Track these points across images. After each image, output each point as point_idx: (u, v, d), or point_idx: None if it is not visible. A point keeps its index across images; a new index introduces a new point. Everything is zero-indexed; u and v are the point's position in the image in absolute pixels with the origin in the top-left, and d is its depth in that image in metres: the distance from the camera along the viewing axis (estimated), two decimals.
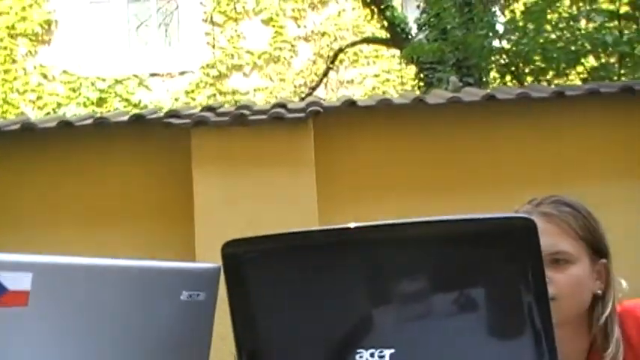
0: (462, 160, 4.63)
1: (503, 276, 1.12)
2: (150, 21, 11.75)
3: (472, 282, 1.12)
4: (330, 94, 11.42)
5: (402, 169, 4.62)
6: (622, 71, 6.90)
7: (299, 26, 12.28)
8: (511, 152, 4.67)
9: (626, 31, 7.16)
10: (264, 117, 4.53)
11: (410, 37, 9.58)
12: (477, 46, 7.07)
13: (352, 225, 1.16)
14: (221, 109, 4.88)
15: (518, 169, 4.58)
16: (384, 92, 11.00)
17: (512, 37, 7.21)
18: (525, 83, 7.11)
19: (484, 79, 8.52)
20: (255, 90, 11.83)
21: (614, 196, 4.57)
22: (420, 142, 4.70)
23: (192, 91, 11.82)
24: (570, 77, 7.85)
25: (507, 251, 1.12)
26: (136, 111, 7.24)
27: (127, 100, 11.54)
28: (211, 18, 11.60)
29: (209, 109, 4.86)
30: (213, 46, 11.73)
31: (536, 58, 7.12)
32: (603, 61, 7.14)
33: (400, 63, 10.58)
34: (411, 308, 1.15)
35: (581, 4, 7.17)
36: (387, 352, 1.12)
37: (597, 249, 1.62)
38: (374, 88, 11.91)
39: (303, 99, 7.72)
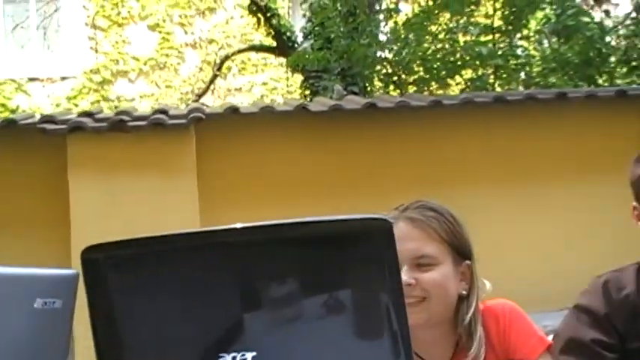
0: (344, 165, 4.71)
1: (363, 277, 1.12)
2: (27, 23, 11.31)
3: (334, 284, 1.13)
4: (217, 102, 11.35)
5: (285, 175, 4.65)
6: (497, 82, 7.21)
7: (186, 33, 12.14)
8: (391, 157, 4.78)
9: (501, 45, 7.49)
10: (144, 123, 4.45)
11: (296, 45, 9.66)
12: (361, 55, 7.21)
13: (212, 228, 1.15)
14: (99, 115, 4.76)
15: (398, 173, 4.70)
16: (272, 100, 11.03)
17: (395, 47, 7.39)
18: (409, 92, 7.32)
19: (369, 88, 8.69)
20: (141, 97, 11.59)
21: (489, 201, 4.76)
22: (302, 149, 4.74)
23: (75, 97, 11.45)
24: (453, 87, 8.13)
25: (365, 252, 1.12)
26: (8, 115, 6.94)
27: (2, 105, 11.06)
28: (93, 22, 11.30)
29: (87, 114, 4.72)
30: (96, 51, 11.43)
31: (418, 68, 7.34)
32: (480, 72, 7.43)
33: (287, 71, 10.65)
34: (275, 310, 1.15)
35: (459, 18, 7.44)
36: (249, 355, 1.11)
37: (461, 251, 1.68)
38: (262, 96, 11.92)
39: (188, 106, 7.64)
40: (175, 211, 4.22)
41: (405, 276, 1.59)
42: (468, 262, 1.69)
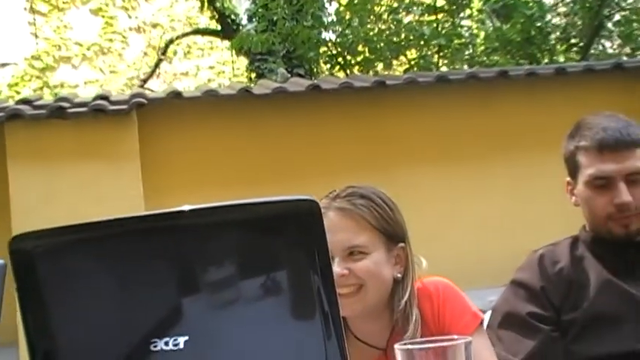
0: (289, 147, 4.70)
1: (295, 259, 1.12)
2: None
3: (270, 266, 1.12)
4: (163, 87, 11.21)
5: (229, 159, 4.62)
6: (441, 62, 7.27)
7: (130, 17, 11.94)
8: (336, 138, 4.79)
9: (444, 25, 7.55)
10: (84, 110, 4.37)
11: (240, 28, 9.58)
12: (305, 37, 7.19)
13: (144, 213, 1.13)
14: (38, 102, 4.65)
15: (343, 154, 4.71)
16: (219, 84, 10.94)
17: (338, 29, 7.39)
18: (354, 73, 7.33)
19: (315, 70, 8.68)
20: (85, 83, 11.38)
21: (432, 179, 4.81)
22: (246, 132, 4.72)
23: (17, 84, 11.19)
24: (398, 68, 8.17)
25: (295, 233, 1.12)
26: None
27: None
28: (32, 6, 11.03)
29: (25, 102, 4.61)
30: (36, 36, 11.17)
31: (362, 49, 7.35)
32: (424, 52, 7.48)
33: (232, 55, 10.57)
34: (212, 294, 1.14)
35: None
36: (182, 340, 1.10)
37: (394, 236, 1.68)
38: (209, 80, 11.81)
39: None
40: (119, 197, 4.16)
41: (337, 267, 1.59)
42: (401, 244, 1.70)
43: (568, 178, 1.97)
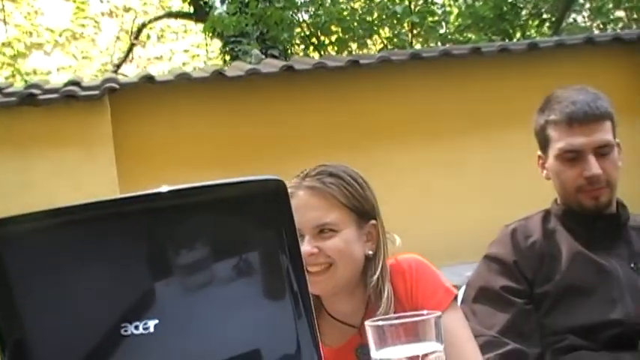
0: (263, 128, 4.68)
1: (263, 239, 1.12)
2: None
3: (240, 247, 1.11)
4: (137, 72, 11.10)
5: (204, 142, 4.60)
6: (414, 40, 7.27)
7: (102, 1, 11.78)
8: (310, 118, 4.77)
9: (418, 2, 7.54)
10: (56, 96, 4.32)
11: (213, 10, 9.50)
12: (277, 18, 7.14)
13: (112, 197, 1.12)
14: (8, 90, 4.59)
15: (318, 134, 4.69)
16: (194, 68, 10.84)
17: (311, 9, 7.36)
18: (329, 54, 7.30)
19: (289, 51, 8.64)
20: (58, 69, 11.24)
21: (408, 156, 4.82)
22: (220, 115, 4.69)
23: None
24: (372, 47, 8.14)
25: (263, 214, 1.11)
26: None
27: None
28: None
29: None
30: (6, 23, 11.00)
31: (336, 29, 7.33)
32: (397, 31, 7.47)
33: (206, 38, 10.49)
34: (185, 277, 1.14)
35: None
36: (152, 324, 1.09)
37: (365, 213, 1.68)
38: (184, 64, 11.71)
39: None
40: (93, 183, 4.13)
41: (307, 245, 1.59)
42: (373, 222, 1.70)
43: (539, 152, 1.98)
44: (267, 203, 1.10)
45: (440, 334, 1.09)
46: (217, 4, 9.64)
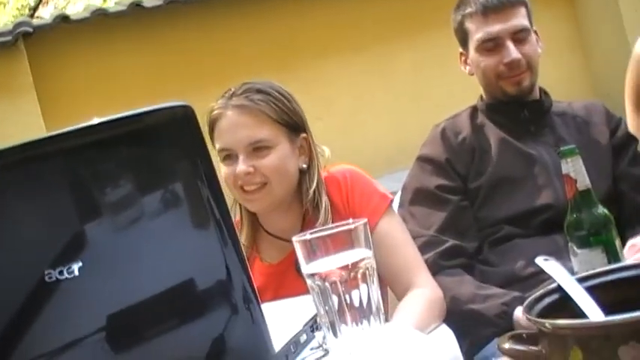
0: (186, 58, 4.53)
1: (181, 170, 1.10)
2: None
3: (159, 180, 1.10)
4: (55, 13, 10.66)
5: (128, 78, 4.44)
6: None
7: None
8: (234, 43, 4.64)
9: None
10: None
11: None
12: None
13: (24, 141, 1.08)
14: None
15: (243, 60, 4.57)
16: (118, 2, 10.44)
17: None
18: None
19: None
20: None
21: (338, 70, 4.77)
22: (140, 48, 4.52)
23: None
24: None
25: (176, 142, 1.09)
26: None
27: None
28: None
29: None
30: None
31: None
32: None
33: None
34: (107, 217, 1.11)
35: None
36: (76, 267, 1.08)
37: (295, 126, 1.68)
38: (105, 1, 11.29)
39: None
40: (20, 133, 3.99)
41: (243, 165, 1.60)
42: (303, 135, 1.70)
43: (460, 49, 1.99)
44: (176, 131, 1.08)
45: (368, 241, 1.09)
46: None
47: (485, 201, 1.85)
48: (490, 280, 1.73)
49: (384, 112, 4.76)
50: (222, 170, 1.63)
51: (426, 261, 1.70)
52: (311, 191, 1.67)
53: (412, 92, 4.78)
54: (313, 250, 1.08)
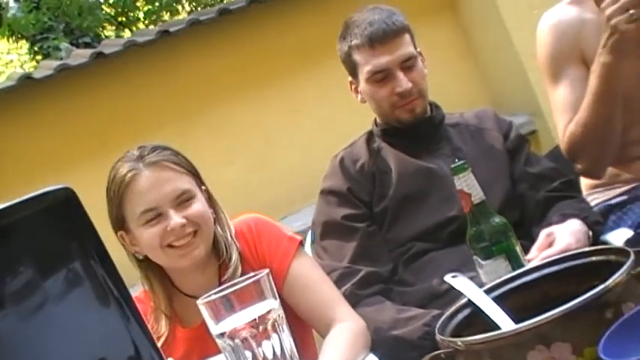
0: (85, 125, 4.44)
1: (73, 250, 1.10)
2: None
3: (56, 263, 1.08)
4: None
5: (28, 152, 4.32)
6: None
7: None
8: (129, 102, 4.58)
9: None
10: None
11: (7, 11, 8.96)
12: (76, 6, 6.83)
13: None
14: None
15: (149, 112, 4.53)
16: (8, 77, 10.19)
17: None
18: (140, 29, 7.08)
19: (102, 36, 8.32)
20: None
21: (240, 113, 4.76)
22: (32, 122, 4.40)
23: None
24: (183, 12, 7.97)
25: (61, 225, 1.08)
26: None
27: None
28: None
29: None
30: None
31: (141, 3, 7.11)
32: None
33: (9, 41, 9.89)
34: (11, 307, 1.09)
35: None
36: None
37: (198, 177, 1.70)
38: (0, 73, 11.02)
39: None
40: None
41: (177, 218, 1.59)
42: (203, 186, 1.71)
43: (350, 78, 2.02)
44: (60, 214, 1.07)
45: (273, 290, 1.09)
46: (11, 3, 9.08)
47: (392, 222, 1.87)
48: (410, 301, 1.74)
49: (295, 146, 4.78)
50: (143, 235, 1.60)
51: (344, 293, 1.71)
52: (229, 237, 1.68)
53: (320, 123, 4.82)
54: (219, 309, 1.08)
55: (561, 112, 1.97)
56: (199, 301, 1.09)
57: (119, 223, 1.64)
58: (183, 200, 1.62)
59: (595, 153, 1.94)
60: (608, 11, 1.71)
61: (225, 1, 7.01)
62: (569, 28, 1.99)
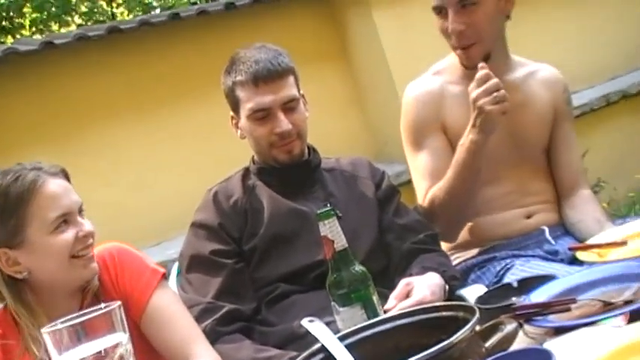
0: None
1: None
2: None
3: None
4: None
5: None
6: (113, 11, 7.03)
7: None
8: (10, 117, 4.39)
9: None
10: None
11: None
12: None
13: None
14: None
15: (26, 130, 4.36)
16: None
17: None
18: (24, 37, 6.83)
19: None
20: None
21: (121, 136, 4.67)
22: None
23: None
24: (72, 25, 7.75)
25: None
26: None
27: None
28: None
29: None
30: None
31: (28, 9, 6.87)
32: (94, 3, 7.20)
33: None
34: None
35: None
36: None
37: None
38: None
39: None
40: None
41: (87, 225, 1.61)
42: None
43: (232, 113, 2.02)
44: None
45: (123, 324, 1.07)
46: None
47: (261, 261, 1.87)
48: (270, 341, 1.74)
49: (175, 173, 4.72)
50: (50, 243, 1.56)
51: (204, 329, 1.69)
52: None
53: (202, 151, 4.79)
54: (64, 339, 1.04)
55: (422, 178, 2.11)
56: (44, 330, 1.04)
57: (6, 238, 1.55)
58: (81, 213, 1.63)
59: (453, 218, 2.07)
60: (474, 94, 1.86)
61: (117, 19, 6.89)
62: (431, 99, 2.13)
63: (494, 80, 1.87)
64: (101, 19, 7.32)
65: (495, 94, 1.85)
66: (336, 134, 4.93)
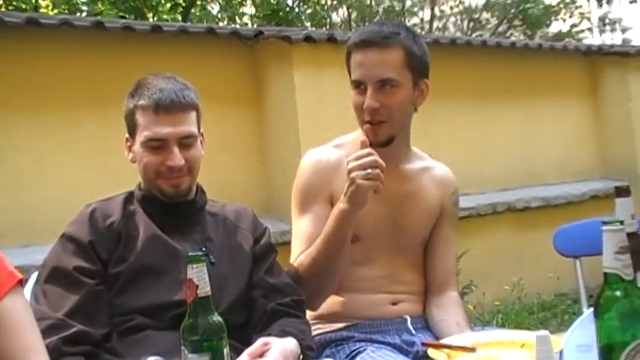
0: None
1: None
2: None
3: None
4: None
5: None
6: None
7: None
8: None
9: None
10: None
11: None
12: None
13: None
14: None
15: None
16: None
17: None
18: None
19: None
20: None
21: (20, 132, 4.53)
22: None
23: None
24: None
25: None
26: None
27: None
28: None
29: None
30: None
31: None
32: None
33: None
34: None
35: None
36: None
37: None
38: None
39: None
40: None
41: None
42: None
43: (127, 135, 1.99)
44: None
45: None
46: None
47: (123, 288, 1.83)
48: None
49: (64, 178, 4.60)
50: None
51: (48, 345, 1.62)
52: None
53: (94, 163, 4.69)
54: None
55: (299, 242, 2.14)
56: None
57: None
58: None
59: (314, 287, 2.08)
60: (350, 165, 1.92)
61: (39, 12, 6.70)
62: (325, 169, 2.18)
63: (372, 157, 1.91)
64: (23, 6, 7.09)
65: (370, 170, 1.89)
66: (233, 179, 4.93)
